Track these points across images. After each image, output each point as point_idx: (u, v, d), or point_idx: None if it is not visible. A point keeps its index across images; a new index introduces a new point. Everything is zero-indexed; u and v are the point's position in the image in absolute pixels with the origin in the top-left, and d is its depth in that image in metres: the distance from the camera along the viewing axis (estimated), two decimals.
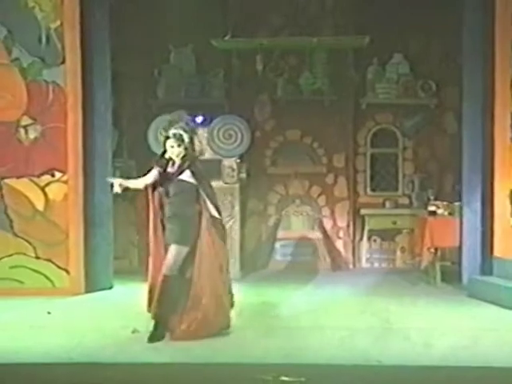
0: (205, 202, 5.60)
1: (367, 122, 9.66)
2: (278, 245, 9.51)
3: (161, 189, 5.64)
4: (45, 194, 7.57)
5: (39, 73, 7.55)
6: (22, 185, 7.56)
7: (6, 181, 7.57)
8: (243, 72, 9.23)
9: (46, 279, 7.48)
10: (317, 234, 9.49)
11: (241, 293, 7.55)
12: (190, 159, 5.62)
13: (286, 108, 9.40)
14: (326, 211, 9.59)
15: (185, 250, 5.50)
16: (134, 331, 5.63)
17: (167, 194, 5.60)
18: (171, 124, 5.67)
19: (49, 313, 6.36)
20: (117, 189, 5.66)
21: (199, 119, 8.85)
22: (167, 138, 5.63)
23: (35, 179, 7.57)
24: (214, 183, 8.48)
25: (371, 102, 9.54)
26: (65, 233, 7.51)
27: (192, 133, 5.69)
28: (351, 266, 9.48)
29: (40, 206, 7.56)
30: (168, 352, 5.23)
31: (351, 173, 9.60)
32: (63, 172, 7.52)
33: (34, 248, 7.51)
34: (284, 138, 9.59)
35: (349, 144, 9.54)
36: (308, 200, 9.59)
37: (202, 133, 8.79)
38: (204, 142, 8.78)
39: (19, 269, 7.48)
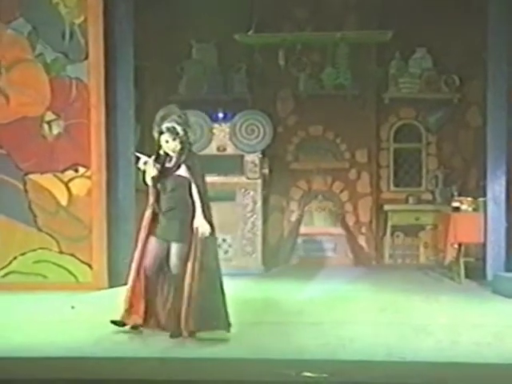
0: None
1: (390, 117, 9.62)
2: (300, 240, 9.50)
3: (158, 184, 5.54)
4: (68, 190, 7.62)
5: (63, 68, 7.60)
6: (46, 180, 7.62)
7: (30, 176, 7.63)
8: (266, 67, 9.24)
9: (69, 274, 7.54)
10: (339, 230, 9.47)
11: (263, 288, 7.69)
12: (186, 153, 5.53)
13: (309, 103, 9.39)
14: (348, 207, 9.57)
15: (186, 246, 5.45)
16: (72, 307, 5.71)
17: (164, 189, 5.51)
18: (163, 118, 5.56)
19: (72, 307, 6.40)
20: (141, 164, 5.61)
21: (221, 115, 8.91)
22: (161, 133, 5.52)
23: (59, 174, 7.62)
24: (236, 178, 8.75)
25: (394, 97, 9.49)
26: (88, 228, 7.57)
27: (185, 125, 5.57)
28: (374, 262, 9.45)
29: (63, 201, 7.62)
30: (192, 348, 5.24)
31: (374, 168, 9.57)
32: (87, 167, 7.57)
33: (58, 243, 7.57)
34: (306, 134, 9.59)
35: (372, 139, 9.51)
36: (330, 196, 9.58)
37: (225, 128, 8.87)
38: (226, 136, 8.85)
39: (43, 263, 7.56)
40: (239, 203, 8.71)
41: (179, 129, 5.50)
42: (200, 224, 5.46)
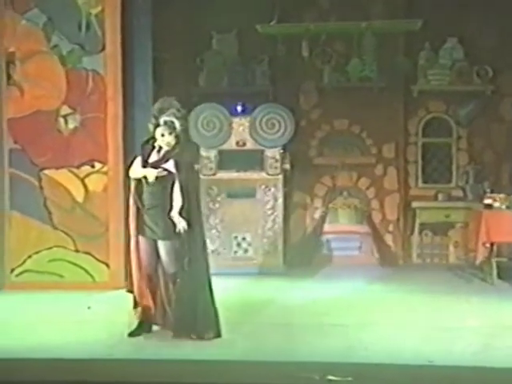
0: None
1: (419, 111, 9.55)
2: (324, 239, 9.48)
3: (141, 178, 5.49)
4: (84, 186, 7.66)
5: (79, 60, 7.63)
6: (62, 176, 7.66)
7: (45, 172, 7.67)
8: (289, 59, 9.21)
9: (85, 273, 7.58)
10: (365, 228, 9.44)
11: (285, 288, 7.68)
12: (178, 148, 5.49)
13: (333, 96, 9.36)
14: (375, 204, 9.54)
15: (175, 243, 5.41)
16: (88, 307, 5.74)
17: (148, 182, 5.46)
18: (162, 111, 5.52)
19: (89, 308, 6.43)
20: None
21: (240, 108, 8.89)
22: (157, 125, 5.48)
23: (75, 170, 7.66)
24: (256, 174, 8.73)
25: (423, 89, 9.43)
26: (105, 225, 7.60)
27: (183, 120, 5.55)
28: (401, 262, 9.41)
29: (79, 197, 7.66)
30: (213, 349, 5.26)
31: (402, 164, 9.52)
32: (103, 163, 7.60)
33: (74, 241, 7.60)
34: (331, 128, 9.56)
35: (399, 133, 9.46)
36: (356, 192, 9.55)
37: (244, 122, 8.83)
38: (246, 131, 8.81)
39: (58, 262, 7.60)
40: (259, 200, 8.68)
41: (177, 123, 5.47)
42: (176, 221, 5.39)
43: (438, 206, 9.41)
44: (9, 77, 7.63)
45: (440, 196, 9.48)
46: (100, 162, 7.62)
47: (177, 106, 5.57)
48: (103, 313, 6.27)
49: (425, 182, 9.63)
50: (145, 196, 5.49)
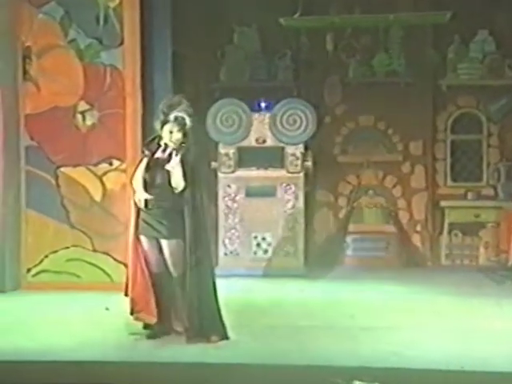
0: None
1: (448, 106, 9.50)
2: (349, 239, 9.48)
3: (146, 176, 5.44)
4: (102, 184, 7.67)
5: (96, 55, 7.64)
6: (79, 174, 7.67)
7: (62, 169, 7.69)
8: (312, 53, 9.23)
9: (103, 273, 7.58)
10: (391, 228, 9.44)
11: (310, 290, 7.66)
12: (184, 147, 5.43)
13: (359, 91, 9.34)
14: (401, 203, 9.51)
15: (179, 242, 5.37)
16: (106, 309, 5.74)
17: (152, 182, 5.42)
18: (172, 106, 5.46)
19: (107, 309, 6.45)
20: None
21: (261, 103, 8.85)
22: (166, 122, 5.42)
23: (92, 168, 7.67)
24: (277, 172, 8.66)
25: (452, 84, 9.38)
26: (123, 224, 7.54)
27: (193, 118, 5.51)
28: (429, 263, 9.38)
29: (97, 196, 7.67)
30: (230, 352, 5.25)
31: (430, 161, 9.49)
32: (121, 160, 7.59)
33: (91, 240, 7.62)
34: (356, 124, 9.56)
35: (427, 130, 9.43)
36: (382, 191, 9.54)
37: (264, 118, 8.77)
38: (266, 127, 8.74)
39: (76, 262, 7.62)
40: (280, 199, 8.61)
41: (188, 120, 5.44)
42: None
43: (468, 205, 9.36)
44: (25, 72, 7.66)
45: (470, 195, 9.42)
46: (118, 159, 7.62)
47: (186, 103, 5.54)
48: (121, 314, 6.25)
49: (454, 180, 9.57)
50: (150, 196, 5.43)
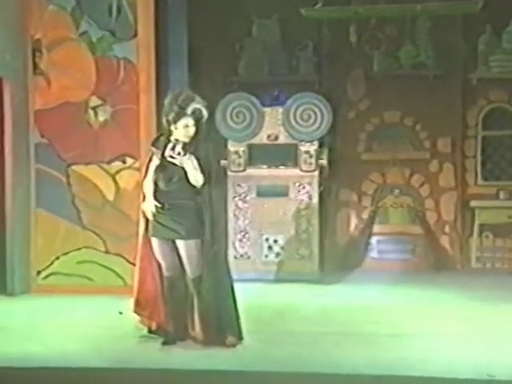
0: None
1: (478, 101, 9.45)
2: (373, 241, 9.48)
3: (160, 176, 5.45)
4: (115, 183, 7.70)
5: (109, 48, 7.67)
6: (91, 172, 7.71)
7: (74, 168, 7.73)
8: (335, 44, 9.21)
9: (116, 276, 7.61)
10: (418, 230, 9.42)
11: (328, 294, 7.64)
12: (197, 142, 5.42)
13: (384, 85, 9.32)
14: (429, 203, 9.49)
15: (198, 243, 5.38)
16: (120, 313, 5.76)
17: (167, 181, 5.42)
18: (189, 98, 5.41)
19: (120, 313, 6.46)
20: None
21: (276, 98, 8.80)
22: (180, 115, 5.37)
23: (105, 166, 7.70)
24: (290, 171, 8.54)
25: (483, 77, 9.33)
26: (137, 225, 7.53)
27: (207, 112, 5.47)
28: (459, 267, 9.34)
29: (110, 195, 7.70)
30: (247, 358, 5.25)
31: (459, 159, 9.45)
32: (135, 158, 7.60)
33: (104, 241, 7.65)
34: (381, 120, 9.55)
35: (457, 126, 9.39)
36: (408, 190, 9.52)
37: (277, 113, 8.67)
38: (279, 123, 8.66)
39: (88, 264, 7.65)
40: (292, 199, 8.51)
41: (205, 114, 5.43)
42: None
43: (500, 206, 9.30)
44: (35, 66, 7.71)
45: (502, 194, 9.36)
46: (132, 157, 7.64)
47: (195, 96, 5.52)
48: (135, 319, 6.28)
49: (485, 178, 9.52)
50: (163, 195, 5.45)
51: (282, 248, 8.52)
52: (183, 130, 5.41)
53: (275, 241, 8.54)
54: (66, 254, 7.69)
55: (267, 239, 8.55)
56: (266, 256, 8.52)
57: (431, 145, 9.45)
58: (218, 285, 5.41)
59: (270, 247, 8.55)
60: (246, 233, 8.59)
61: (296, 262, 8.47)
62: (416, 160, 9.46)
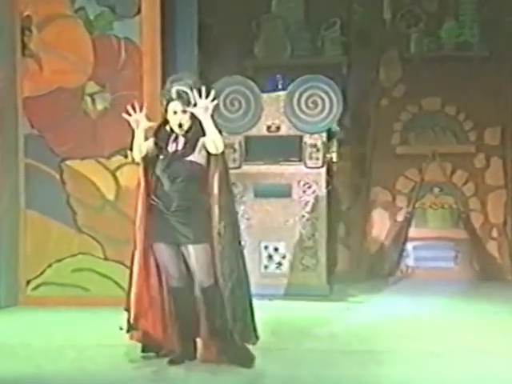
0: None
1: None
2: (409, 246, 9.50)
3: (160, 171, 5.37)
4: (116, 180, 7.70)
5: (109, 26, 7.67)
6: (88, 168, 7.70)
7: (68, 163, 7.73)
8: (366, 22, 9.21)
9: (116, 286, 7.56)
10: (462, 234, 9.44)
11: (358, 307, 7.63)
12: (198, 132, 5.32)
13: (423, 68, 9.35)
14: (474, 203, 9.51)
15: (208, 248, 5.33)
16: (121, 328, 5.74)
17: (172, 179, 5.34)
18: (175, 81, 5.37)
19: (121, 328, 6.43)
20: (133, 123, 5.46)
21: (279, 81, 8.74)
22: (169, 100, 5.32)
23: (104, 161, 7.69)
24: (293, 168, 8.33)
25: None
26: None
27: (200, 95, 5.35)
28: (509, 277, 9.31)
29: (110, 194, 7.70)
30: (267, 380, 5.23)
31: (509, 153, 9.45)
32: None
33: (102, 246, 7.65)
34: (419, 108, 9.58)
35: (506, 115, 9.38)
36: (450, 189, 9.54)
37: (278, 99, 8.46)
38: (281, 111, 8.49)
39: (84, 272, 7.65)
40: (296, 200, 8.36)
41: (192, 97, 5.31)
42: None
43: None
44: (24, 47, 7.70)
45: None
46: None
47: (194, 77, 5.47)
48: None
49: None
50: (168, 197, 5.39)
51: (284, 258, 8.34)
52: (173, 117, 5.35)
53: (276, 249, 8.36)
54: (59, 260, 7.68)
55: (266, 247, 8.37)
56: (266, 267, 8.34)
57: (477, 136, 9.48)
58: (235, 296, 5.37)
59: (269, 256, 8.37)
60: (242, 239, 8.40)
61: (300, 273, 8.28)
62: (459, 154, 9.48)
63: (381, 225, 9.65)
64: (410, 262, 9.51)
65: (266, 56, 9.61)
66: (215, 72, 9.17)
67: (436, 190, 9.56)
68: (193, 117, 5.32)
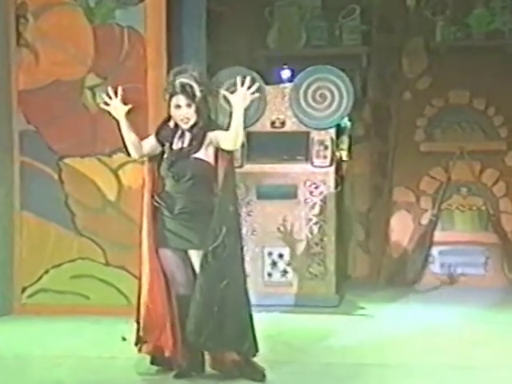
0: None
1: None
2: (435, 251, 9.49)
3: (165, 170, 5.38)
4: (118, 179, 7.70)
5: (111, 14, 7.67)
6: (88, 166, 7.71)
7: (67, 161, 7.73)
8: (388, 9, 9.21)
9: (118, 293, 7.61)
10: (492, 237, 9.42)
11: (375, 317, 7.63)
12: (205, 127, 5.32)
13: (449, 59, 9.34)
14: (505, 205, 9.51)
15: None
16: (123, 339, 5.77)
17: (177, 179, 5.34)
18: (178, 73, 5.36)
19: (124, 339, 6.44)
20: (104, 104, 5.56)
21: (287, 73, 8.68)
22: (172, 93, 5.32)
23: (105, 159, 7.69)
24: (299, 166, 8.21)
25: None
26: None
27: (206, 88, 5.35)
28: None
29: (111, 194, 7.71)
30: None
31: None
32: None
33: (104, 251, 7.66)
34: (445, 102, 9.58)
35: None
36: (479, 189, 9.54)
37: (283, 92, 8.36)
38: (286, 105, 8.43)
39: (84, 279, 7.65)
40: (302, 202, 8.25)
41: (197, 89, 5.31)
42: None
43: None
44: (19, 36, 7.71)
45: None
46: None
47: (199, 69, 5.44)
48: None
49: None
50: (172, 198, 5.39)
51: (289, 265, 8.23)
52: (177, 112, 5.35)
53: (280, 255, 8.25)
54: (57, 266, 7.68)
55: (270, 253, 8.27)
56: (270, 275, 8.22)
57: (508, 132, 9.48)
58: (238, 306, 5.39)
59: (273, 264, 8.25)
60: (245, 245, 8.34)
61: (307, 282, 8.17)
62: (489, 151, 9.47)
63: (403, 228, 9.64)
64: (435, 268, 9.51)
65: (279, 46, 9.64)
66: (225, 63, 9.17)
67: (464, 190, 9.55)
68: (198, 110, 5.31)
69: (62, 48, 7.69)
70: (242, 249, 5.52)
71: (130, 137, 5.52)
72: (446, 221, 9.58)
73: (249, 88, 5.19)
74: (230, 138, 5.23)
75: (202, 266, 5.27)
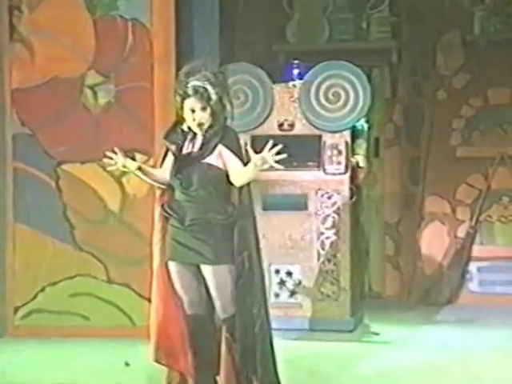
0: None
1: None
2: (473, 267, 9.49)
3: (175, 178, 5.40)
4: (121, 188, 7.71)
5: (113, 5, 7.69)
6: (89, 173, 7.71)
7: (65, 167, 7.74)
8: None
9: (121, 313, 7.63)
10: None
11: (407, 341, 7.62)
12: (220, 132, 5.36)
13: (489, 54, 9.32)
14: None
15: (231, 269, 5.32)
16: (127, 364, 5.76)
17: (187, 185, 5.35)
18: (190, 73, 5.37)
19: (127, 364, 6.46)
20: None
21: (296, 70, 8.65)
22: (185, 96, 5.33)
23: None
24: (310, 174, 8.12)
25: None
26: (149, 244, 7.55)
27: (222, 89, 5.37)
28: None
29: (114, 204, 7.72)
30: None
31: None
32: (148, 154, 7.58)
33: (105, 267, 7.66)
34: (485, 101, 9.57)
35: None
36: None
37: (292, 91, 8.31)
38: (295, 105, 8.37)
39: (83, 298, 7.65)
40: (313, 214, 8.17)
41: (213, 92, 5.32)
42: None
43: None
44: (13, 29, 7.73)
45: None
46: (143, 152, 7.59)
47: (212, 69, 5.44)
48: (147, 371, 6.18)
49: None
50: (183, 207, 5.40)
51: (299, 284, 8.15)
52: (190, 115, 5.36)
53: (289, 273, 8.18)
54: (54, 284, 7.69)
55: (278, 271, 8.20)
56: (277, 295, 8.14)
57: None
58: (259, 328, 5.36)
59: (281, 282, 8.18)
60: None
61: (318, 304, 8.09)
62: None
63: (438, 242, 9.65)
64: (473, 286, 9.53)
65: (299, 40, 9.65)
66: (240, 59, 9.17)
67: (505, 199, 9.56)
68: (214, 114, 5.32)
69: (60, 43, 7.71)
70: (261, 267, 5.53)
71: (153, 179, 5.56)
72: (485, 234, 9.58)
73: (275, 154, 5.29)
74: (235, 179, 5.33)
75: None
